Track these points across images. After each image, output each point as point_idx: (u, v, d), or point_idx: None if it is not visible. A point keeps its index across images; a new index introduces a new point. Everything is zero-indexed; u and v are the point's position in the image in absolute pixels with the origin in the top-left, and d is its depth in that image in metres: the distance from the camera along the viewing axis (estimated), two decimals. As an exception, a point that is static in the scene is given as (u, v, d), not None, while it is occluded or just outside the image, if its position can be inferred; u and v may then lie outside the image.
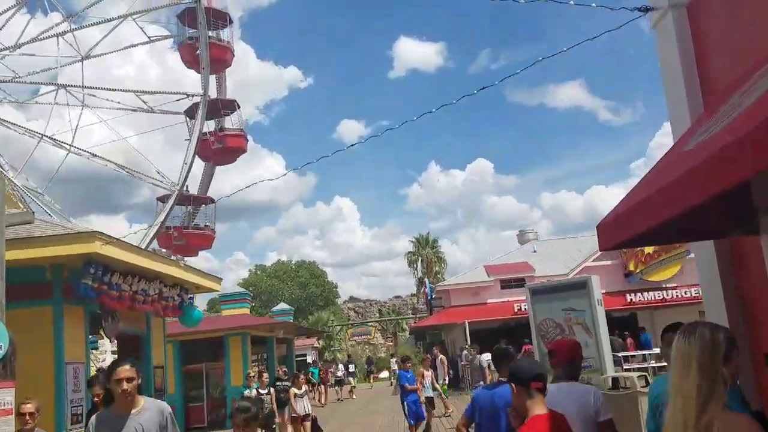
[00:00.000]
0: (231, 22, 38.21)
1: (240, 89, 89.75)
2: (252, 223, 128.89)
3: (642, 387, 10.18)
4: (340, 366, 25.90)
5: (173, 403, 17.69)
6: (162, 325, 12.80)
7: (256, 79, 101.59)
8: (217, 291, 13.66)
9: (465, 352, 25.79)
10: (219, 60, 37.23)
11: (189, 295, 12.52)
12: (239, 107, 37.00)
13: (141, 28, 36.52)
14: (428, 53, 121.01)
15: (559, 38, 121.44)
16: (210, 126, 36.75)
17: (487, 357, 26.23)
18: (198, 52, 35.78)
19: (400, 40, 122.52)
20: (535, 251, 30.80)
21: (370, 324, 54.51)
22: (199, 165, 37.27)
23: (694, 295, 26.51)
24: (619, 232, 3.83)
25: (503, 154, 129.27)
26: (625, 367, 20.23)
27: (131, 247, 9.94)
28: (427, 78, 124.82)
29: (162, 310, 11.43)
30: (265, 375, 12.84)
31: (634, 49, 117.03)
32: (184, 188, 34.70)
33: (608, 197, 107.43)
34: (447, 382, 19.15)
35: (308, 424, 13.14)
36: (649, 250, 27.44)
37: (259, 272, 71.59)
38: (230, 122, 37.41)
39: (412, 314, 69.36)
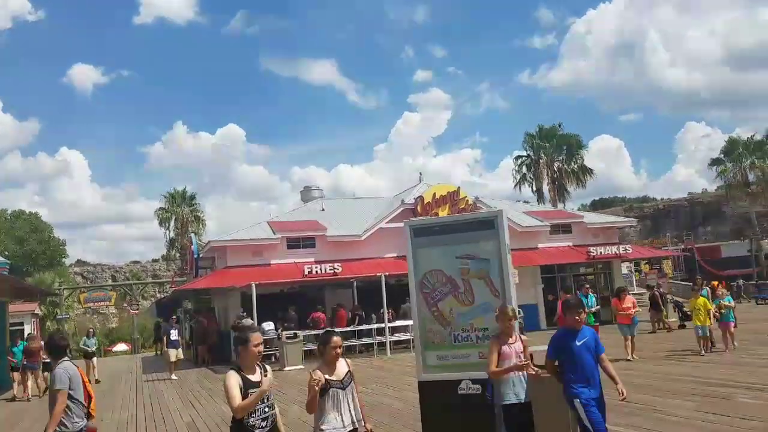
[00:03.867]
0: None
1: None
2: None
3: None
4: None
5: None
6: None
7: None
8: None
9: (247, 321, 21.62)
10: None
11: None
12: None
13: None
14: (179, 4, 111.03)
15: (311, 10, 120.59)
16: None
17: (269, 326, 22.51)
18: None
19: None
20: (323, 210, 27.70)
21: (108, 288, 46.22)
22: None
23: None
24: None
25: (257, 123, 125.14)
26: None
27: None
28: (177, 30, 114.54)
29: None
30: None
31: (383, 36, 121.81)
32: None
33: (353, 176, 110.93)
34: None
35: None
36: (443, 212, 26.25)
37: (-41, 222, 57.17)
38: None
39: (153, 281, 61.81)
